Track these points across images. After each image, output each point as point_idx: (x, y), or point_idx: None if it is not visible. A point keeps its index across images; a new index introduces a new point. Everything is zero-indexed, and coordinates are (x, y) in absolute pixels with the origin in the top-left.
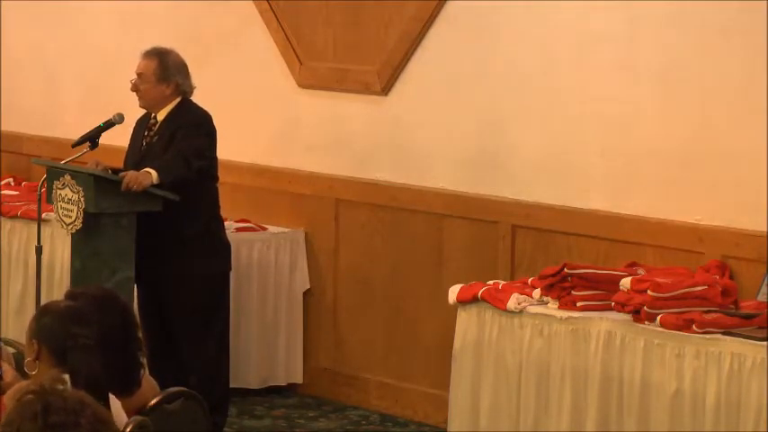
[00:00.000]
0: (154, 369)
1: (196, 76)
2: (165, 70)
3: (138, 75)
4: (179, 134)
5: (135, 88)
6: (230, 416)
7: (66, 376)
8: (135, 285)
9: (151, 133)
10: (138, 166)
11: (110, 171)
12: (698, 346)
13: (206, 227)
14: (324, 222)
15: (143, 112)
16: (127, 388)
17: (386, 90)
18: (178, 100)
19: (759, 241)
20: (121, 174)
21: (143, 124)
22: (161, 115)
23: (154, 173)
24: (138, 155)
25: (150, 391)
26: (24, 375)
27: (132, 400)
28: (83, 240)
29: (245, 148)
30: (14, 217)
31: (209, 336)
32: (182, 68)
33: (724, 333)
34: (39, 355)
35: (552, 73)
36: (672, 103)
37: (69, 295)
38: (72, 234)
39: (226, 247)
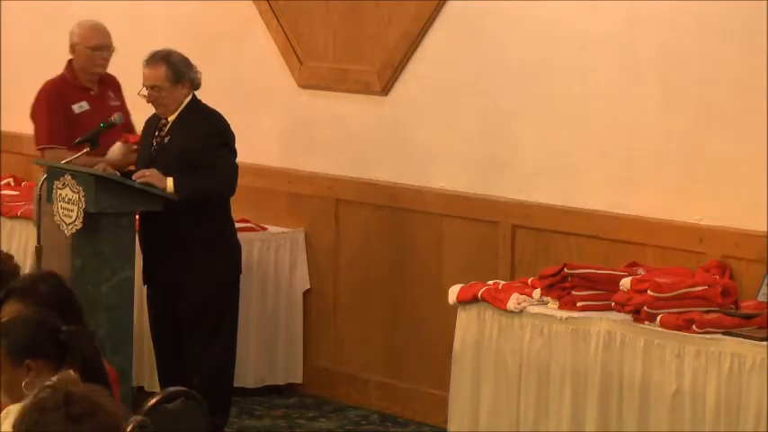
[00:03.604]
0: (162, 368)
1: None
2: (176, 71)
3: (151, 86)
4: (207, 143)
5: (152, 99)
6: (230, 416)
7: (65, 374)
8: (145, 285)
9: (162, 134)
10: (149, 168)
11: (118, 174)
12: (698, 346)
13: (217, 228)
14: (324, 222)
15: (142, 112)
16: None
17: (386, 90)
18: (188, 100)
19: (759, 241)
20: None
21: (152, 125)
22: (172, 116)
23: (170, 183)
24: (148, 156)
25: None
26: None
27: None
28: (83, 240)
29: (244, 147)
30: (14, 217)
31: (215, 337)
32: (187, 63)
33: (724, 333)
34: (38, 371)
35: (552, 73)
36: (672, 103)
37: (16, 295)
38: (72, 234)
39: (236, 249)
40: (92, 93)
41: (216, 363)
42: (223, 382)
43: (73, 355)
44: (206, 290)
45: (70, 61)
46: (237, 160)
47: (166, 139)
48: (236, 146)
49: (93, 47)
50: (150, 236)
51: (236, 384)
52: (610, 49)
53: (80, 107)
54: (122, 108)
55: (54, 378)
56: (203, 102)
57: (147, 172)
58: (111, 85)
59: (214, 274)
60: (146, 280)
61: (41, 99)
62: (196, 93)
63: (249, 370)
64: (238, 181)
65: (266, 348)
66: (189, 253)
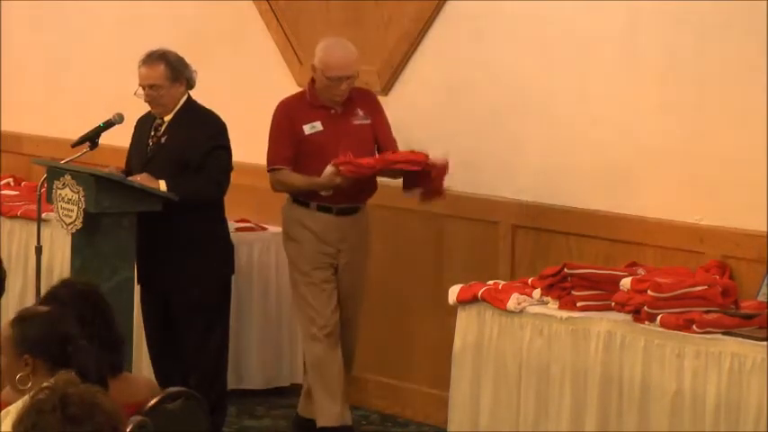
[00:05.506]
0: (158, 369)
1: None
2: (174, 70)
3: (150, 86)
4: (205, 144)
5: (149, 99)
6: (230, 416)
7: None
8: (139, 285)
9: (158, 134)
10: (145, 168)
11: (119, 174)
12: (698, 346)
13: (211, 228)
14: None
15: (142, 112)
16: (114, 368)
17: (386, 90)
18: (184, 99)
19: (759, 241)
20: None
21: (147, 125)
22: (168, 116)
23: (162, 185)
24: (144, 157)
25: (143, 383)
26: None
27: (121, 383)
28: (83, 240)
29: (245, 148)
30: (14, 217)
31: (210, 337)
32: (183, 62)
33: (724, 333)
34: (34, 369)
35: (552, 73)
36: (672, 102)
37: (47, 297)
38: (72, 234)
39: (230, 249)
40: (332, 112)
41: (211, 362)
42: (218, 380)
43: (71, 368)
44: (200, 290)
45: (313, 77)
46: (238, 160)
47: (163, 139)
48: (237, 146)
49: (332, 77)
50: (143, 237)
51: (240, 386)
52: (610, 49)
53: (312, 127)
54: (376, 124)
55: (52, 379)
56: (202, 102)
57: (138, 177)
58: (361, 100)
59: (208, 275)
60: (139, 281)
61: (272, 119)
62: (195, 92)
63: (251, 371)
64: (239, 181)
65: (267, 349)
66: (182, 254)
